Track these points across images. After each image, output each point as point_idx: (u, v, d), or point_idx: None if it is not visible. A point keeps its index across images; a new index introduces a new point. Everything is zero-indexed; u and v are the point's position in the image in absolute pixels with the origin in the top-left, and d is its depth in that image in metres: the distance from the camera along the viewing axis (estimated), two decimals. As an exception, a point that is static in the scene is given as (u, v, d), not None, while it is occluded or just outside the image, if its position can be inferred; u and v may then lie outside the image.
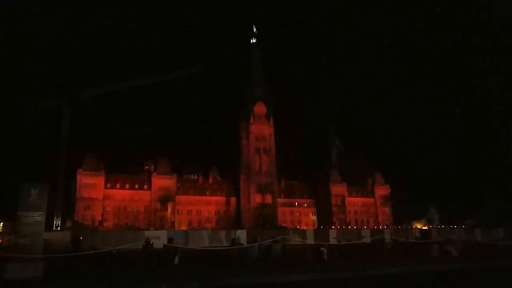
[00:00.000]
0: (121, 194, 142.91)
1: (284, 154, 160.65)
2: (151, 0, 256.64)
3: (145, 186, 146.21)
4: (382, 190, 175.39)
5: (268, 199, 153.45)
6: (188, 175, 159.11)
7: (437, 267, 22.81)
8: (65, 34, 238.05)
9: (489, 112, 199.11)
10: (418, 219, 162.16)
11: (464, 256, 27.78)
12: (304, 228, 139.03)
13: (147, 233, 40.26)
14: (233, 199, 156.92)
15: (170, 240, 28.68)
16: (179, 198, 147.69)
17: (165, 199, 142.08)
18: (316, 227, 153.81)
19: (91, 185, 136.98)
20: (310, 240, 43.13)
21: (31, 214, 17.50)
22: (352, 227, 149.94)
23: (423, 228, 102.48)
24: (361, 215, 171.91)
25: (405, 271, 21.38)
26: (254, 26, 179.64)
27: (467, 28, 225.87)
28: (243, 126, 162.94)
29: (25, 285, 15.45)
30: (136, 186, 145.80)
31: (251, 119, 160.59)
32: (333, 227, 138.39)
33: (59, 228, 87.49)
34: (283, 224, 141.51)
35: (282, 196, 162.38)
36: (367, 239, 41.97)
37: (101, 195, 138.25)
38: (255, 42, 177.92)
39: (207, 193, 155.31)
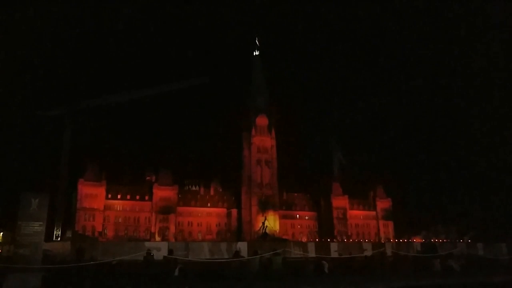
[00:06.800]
0: (122, 205, 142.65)
1: (286, 166, 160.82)
2: (154, 11, 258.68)
3: (146, 197, 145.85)
4: (383, 203, 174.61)
5: (270, 211, 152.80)
6: (190, 187, 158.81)
7: (439, 282, 22.63)
8: (68, 44, 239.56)
9: (493, 126, 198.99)
10: (419, 232, 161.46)
11: (465, 270, 27.59)
12: (305, 240, 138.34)
13: (148, 244, 39.97)
14: (234, 211, 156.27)
15: (170, 251, 28.62)
16: (180, 209, 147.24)
17: (166, 210, 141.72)
18: (317, 239, 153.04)
19: (92, 195, 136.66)
20: (311, 253, 42.80)
21: (31, 224, 17.45)
22: (354, 240, 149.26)
23: (424, 241, 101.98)
24: (363, 228, 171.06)
25: (406, 285, 21.22)
26: (257, 39, 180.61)
27: (470, 39, 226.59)
28: (245, 137, 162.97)
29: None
30: (137, 197, 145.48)
31: (253, 131, 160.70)
32: (334, 240, 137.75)
33: (59, 239, 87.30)
34: (284, 237, 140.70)
35: (284, 208, 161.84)
36: (369, 252, 41.65)
37: (102, 206, 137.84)
38: (257, 54, 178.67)
39: (208, 204, 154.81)
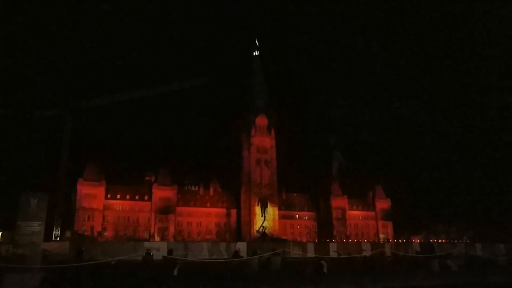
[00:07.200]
0: (122, 205, 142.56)
1: (285, 166, 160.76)
2: (154, 11, 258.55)
3: (146, 197, 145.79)
4: (382, 204, 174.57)
5: (269, 211, 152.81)
6: (189, 187, 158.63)
7: (437, 282, 22.67)
8: (67, 43, 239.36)
9: (492, 126, 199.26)
10: (419, 232, 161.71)
11: (464, 270, 27.62)
12: (305, 240, 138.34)
13: (147, 244, 39.99)
14: (233, 211, 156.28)
15: (169, 251, 28.64)
16: (180, 209, 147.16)
17: (166, 210, 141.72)
18: (316, 240, 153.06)
19: (92, 195, 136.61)
20: (311, 253, 42.78)
21: (30, 224, 17.45)
22: (353, 240, 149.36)
23: (423, 242, 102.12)
24: (362, 228, 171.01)
25: (405, 285, 21.25)
26: (256, 39, 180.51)
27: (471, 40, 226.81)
28: (244, 138, 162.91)
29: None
30: (137, 197, 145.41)
31: (253, 131, 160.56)
32: (333, 240, 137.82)
33: (58, 239, 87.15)
34: (283, 237, 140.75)
35: (283, 208, 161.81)
36: (368, 253, 41.68)
37: (101, 206, 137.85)
38: (257, 55, 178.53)
39: (208, 204, 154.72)
